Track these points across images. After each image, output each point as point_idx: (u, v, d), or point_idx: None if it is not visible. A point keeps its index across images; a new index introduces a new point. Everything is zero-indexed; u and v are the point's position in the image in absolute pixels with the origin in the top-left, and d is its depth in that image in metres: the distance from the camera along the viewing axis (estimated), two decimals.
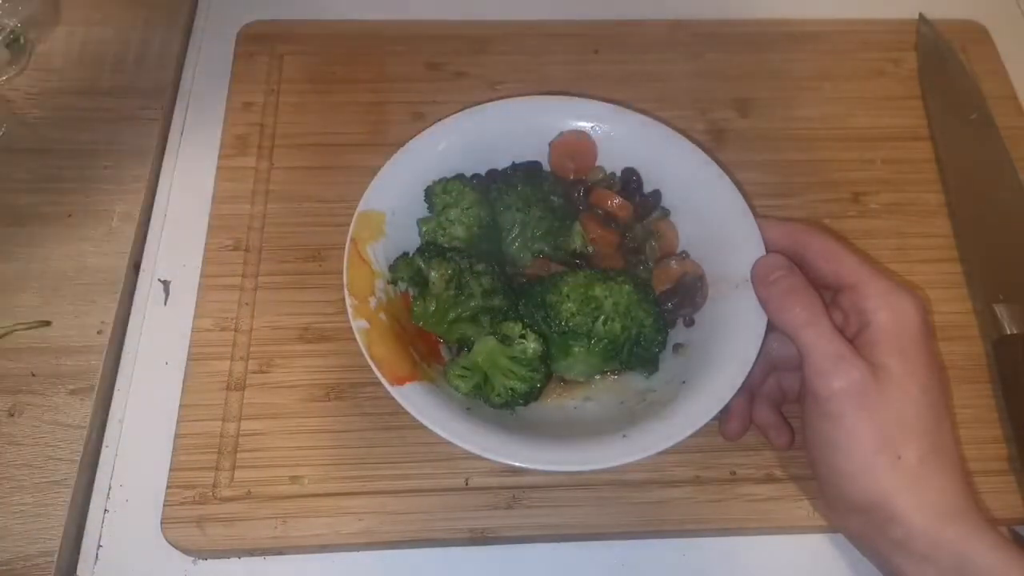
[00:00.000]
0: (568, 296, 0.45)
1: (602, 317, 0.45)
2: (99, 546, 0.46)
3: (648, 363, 0.47)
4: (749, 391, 0.48)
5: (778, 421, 0.48)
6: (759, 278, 0.45)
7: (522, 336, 0.44)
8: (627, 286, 0.46)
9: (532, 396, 0.45)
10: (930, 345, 0.42)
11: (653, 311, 0.46)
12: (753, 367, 0.43)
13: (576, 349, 0.46)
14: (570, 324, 0.45)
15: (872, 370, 0.41)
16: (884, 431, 0.40)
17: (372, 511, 0.46)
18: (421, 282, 0.46)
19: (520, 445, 0.42)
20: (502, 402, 0.44)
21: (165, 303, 0.53)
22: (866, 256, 0.47)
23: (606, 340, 0.45)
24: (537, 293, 0.46)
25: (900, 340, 0.42)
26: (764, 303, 0.44)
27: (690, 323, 0.49)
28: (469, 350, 0.46)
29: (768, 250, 0.46)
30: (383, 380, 0.42)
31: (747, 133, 0.60)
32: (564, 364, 0.46)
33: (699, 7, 0.67)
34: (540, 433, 0.44)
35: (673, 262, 0.50)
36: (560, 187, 0.51)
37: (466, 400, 0.45)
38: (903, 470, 0.40)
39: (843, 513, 0.43)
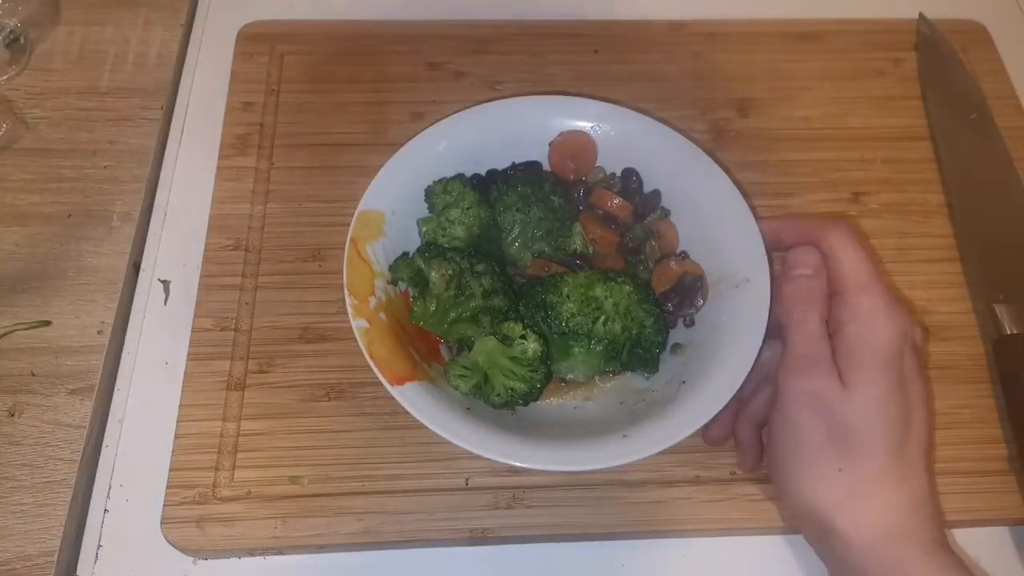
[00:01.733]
0: (568, 296, 0.45)
1: (602, 317, 0.45)
2: (99, 546, 0.46)
3: (648, 363, 0.47)
4: (738, 401, 0.47)
5: (754, 442, 0.47)
6: (786, 266, 0.45)
7: (522, 336, 0.44)
8: (627, 286, 0.46)
9: (532, 396, 0.45)
10: (899, 367, 0.41)
11: (653, 311, 0.46)
12: (753, 368, 0.43)
13: (576, 349, 0.46)
14: (570, 324, 0.45)
15: (840, 383, 0.41)
16: (830, 441, 0.41)
17: (372, 511, 0.46)
18: (421, 282, 0.46)
19: (520, 445, 0.42)
20: (502, 402, 0.44)
21: (165, 303, 0.53)
22: (871, 263, 0.44)
23: (606, 340, 0.45)
24: (537, 293, 0.46)
25: (861, 355, 0.41)
26: (777, 292, 0.45)
27: (690, 323, 0.49)
28: (469, 350, 0.46)
29: (787, 244, 0.46)
30: (383, 380, 0.42)
31: (747, 133, 0.60)
32: (564, 365, 0.46)
33: (699, 7, 0.67)
34: (540, 433, 0.44)
35: (673, 262, 0.50)
36: (560, 187, 0.51)
37: (466, 400, 0.45)
38: (843, 484, 0.40)
39: (794, 515, 0.44)
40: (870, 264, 0.43)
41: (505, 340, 0.45)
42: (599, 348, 0.46)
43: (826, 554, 0.42)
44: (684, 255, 0.50)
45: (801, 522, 0.43)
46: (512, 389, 0.44)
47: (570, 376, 0.47)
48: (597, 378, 0.48)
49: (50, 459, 0.47)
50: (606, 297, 0.45)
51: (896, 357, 0.41)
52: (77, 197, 0.55)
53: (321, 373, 0.50)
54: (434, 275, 0.46)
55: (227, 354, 0.50)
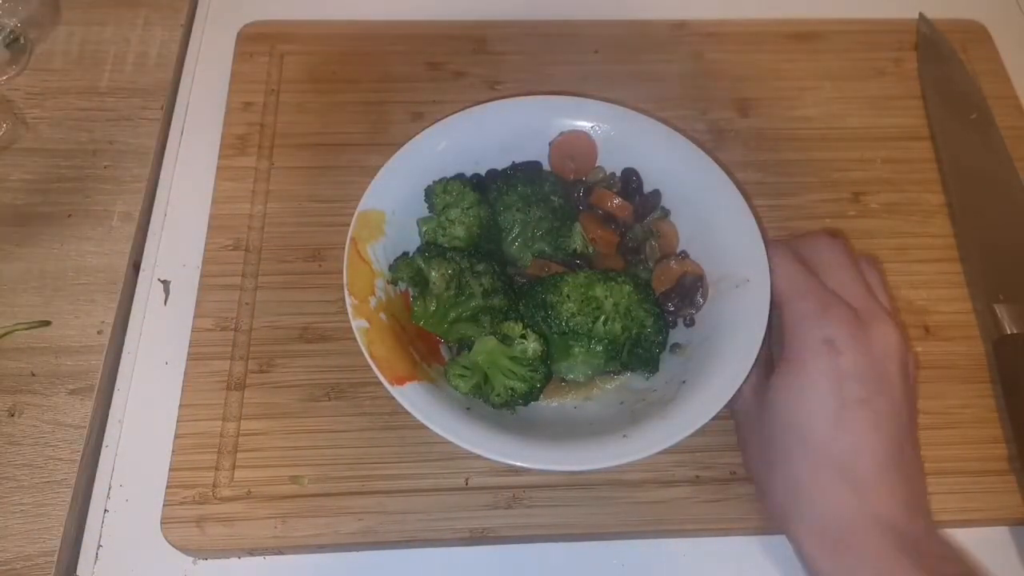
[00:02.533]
0: (568, 296, 0.45)
1: (603, 317, 0.45)
2: (99, 546, 0.46)
3: (648, 363, 0.47)
4: None
5: None
6: None
7: (522, 336, 0.44)
8: (627, 286, 0.46)
9: (532, 396, 0.45)
10: (819, 381, 0.41)
11: (653, 311, 0.46)
12: (753, 367, 0.43)
13: (576, 350, 0.46)
14: (570, 324, 0.45)
15: (759, 394, 0.44)
16: (759, 439, 0.44)
17: (372, 511, 0.46)
18: (421, 282, 0.46)
19: (520, 445, 0.42)
20: (502, 402, 0.44)
21: (165, 303, 0.53)
22: (796, 278, 0.45)
23: (606, 340, 0.45)
24: (537, 293, 0.46)
25: (781, 364, 0.43)
26: None
27: (690, 323, 0.49)
28: (469, 350, 0.46)
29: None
30: (383, 380, 0.42)
31: (747, 133, 0.60)
32: (564, 365, 0.46)
33: (699, 7, 0.67)
34: (540, 433, 0.44)
35: (673, 262, 0.50)
36: (560, 187, 0.51)
37: (466, 400, 0.45)
38: (780, 483, 0.42)
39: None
40: (800, 276, 0.44)
41: (505, 340, 0.45)
42: (599, 348, 0.46)
43: (794, 549, 0.43)
44: (684, 255, 0.50)
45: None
46: (512, 389, 0.44)
47: (570, 376, 0.47)
48: (597, 378, 0.48)
49: (50, 459, 0.47)
50: (606, 297, 0.45)
51: (817, 356, 0.41)
52: (77, 197, 0.55)
53: (321, 373, 0.50)
54: (434, 275, 0.46)
55: (227, 354, 0.50)
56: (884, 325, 0.43)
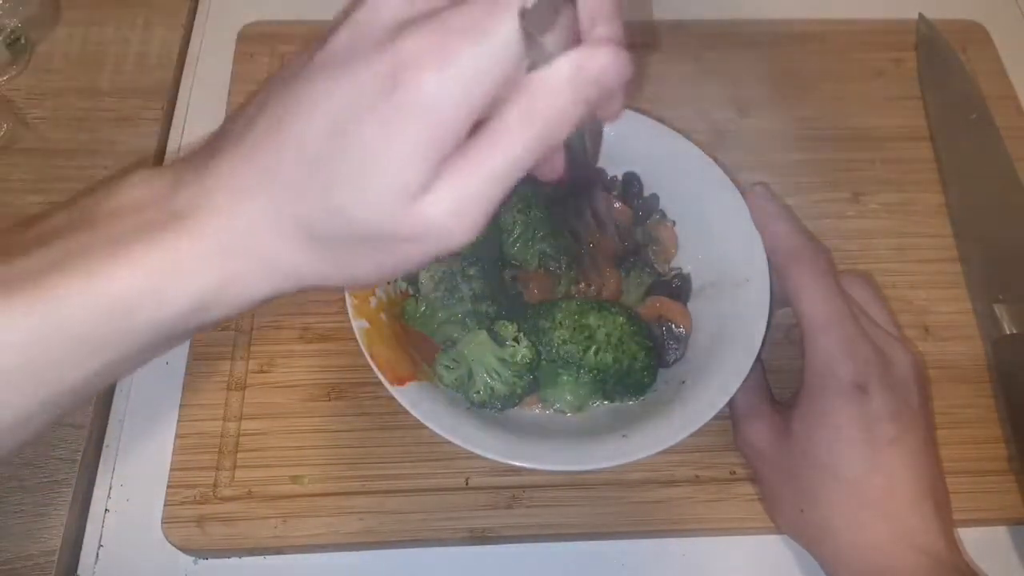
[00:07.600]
0: (561, 323, 0.45)
1: (594, 347, 0.45)
2: (100, 546, 0.46)
3: (637, 392, 0.46)
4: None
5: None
6: None
7: (515, 339, 0.44)
8: (621, 317, 0.45)
9: (511, 401, 0.45)
10: (850, 411, 0.41)
11: (645, 345, 0.46)
12: (753, 367, 0.43)
13: (564, 377, 0.45)
14: (561, 352, 0.45)
15: (780, 428, 0.44)
16: (785, 483, 0.44)
17: (372, 511, 0.46)
18: (415, 281, 0.46)
19: (520, 445, 0.42)
20: (480, 400, 0.44)
21: None
22: (831, 302, 0.43)
23: (595, 371, 0.45)
24: (530, 318, 0.46)
25: (807, 400, 0.42)
26: None
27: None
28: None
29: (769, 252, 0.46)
30: (383, 380, 0.42)
31: (747, 133, 0.60)
32: (550, 391, 0.46)
33: (699, 7, 0.67)
34: (540, 433, 0.44)
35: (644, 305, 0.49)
36: (560, 187, 0.51)
37: (464, 399, 0.45)
38: (809, 524, 0.42)
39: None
40: (829, 304, 0.43)
41: (496, 338, 0.44)
42: (587, 378, 0.45)
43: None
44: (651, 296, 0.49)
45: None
46: (492, 388, 0.44)
47: (556, 406, 0.46)
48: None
49: (50, 459, 0.47)
50: (599, 326, 0.45)
51: (847, 401, 0.41)
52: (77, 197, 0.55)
53: (321, 373, 0.50)
54: (423, 275, 0.45)
55: (228, 354, 0.50)
56: (902, 354, 0.43)
